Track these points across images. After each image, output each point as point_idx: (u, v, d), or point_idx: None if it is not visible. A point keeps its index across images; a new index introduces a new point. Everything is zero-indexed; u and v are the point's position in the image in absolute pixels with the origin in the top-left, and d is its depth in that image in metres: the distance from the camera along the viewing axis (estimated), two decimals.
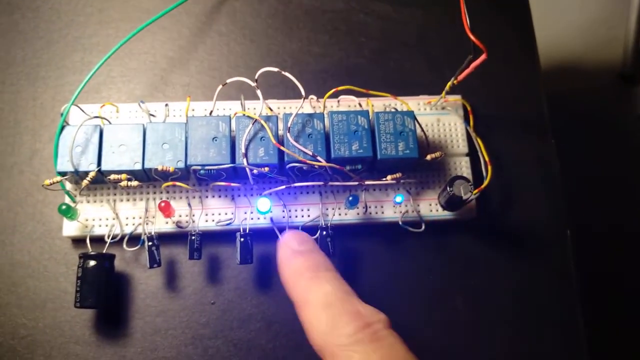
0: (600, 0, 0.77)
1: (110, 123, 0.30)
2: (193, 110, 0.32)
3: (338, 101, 0.32)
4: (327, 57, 0.35)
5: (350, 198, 0.29)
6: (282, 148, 0.28)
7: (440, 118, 0.33)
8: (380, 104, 0.32)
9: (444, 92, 0.31)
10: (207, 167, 0.28)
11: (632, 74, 0.73)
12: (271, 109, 0.32)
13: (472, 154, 0.33)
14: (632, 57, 0.72)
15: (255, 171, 0.28)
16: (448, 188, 0.29)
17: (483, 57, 0.27)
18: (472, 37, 0.27)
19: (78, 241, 0.30)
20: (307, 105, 0.32)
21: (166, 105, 0.31)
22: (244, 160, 0.28)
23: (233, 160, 0.28)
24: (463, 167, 0.32)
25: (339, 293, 0.24)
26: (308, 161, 0.28)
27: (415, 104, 0.33)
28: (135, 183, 0.28)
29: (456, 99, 0.33)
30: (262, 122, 0.29)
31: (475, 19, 0.28)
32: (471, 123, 0.33)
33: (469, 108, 0.33)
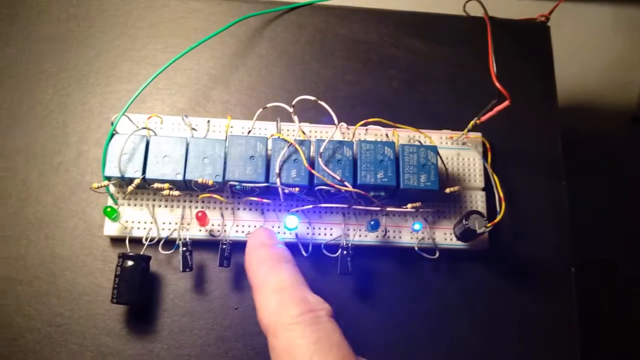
0: (621, 42, 0.78)
1: (155, 134, 0.32)
2: (232, 127, 0.34)
3: (366, 130, 0.35)
4: (358, 86, 0.38)
5: (372, 222, 0.31)
6: (313, 171, 0.30)
7: (461, 153, 0.35)
8: (405, 134, 0.35)
9: (466, 130, 0.34)
10: (243, 184, 0.30)
11: None
12: (304, 132, 0.34)
13: (488, 188, 0.35)
14: None
15: (286, 190, 0.30)
16: (464, 221, 0.31)
17: (506, 103, 0.29)
18: (497, 84, 0.29)
19: (116, 240, 0.32)
20: (337, 131, 0.34)
21: (208, 121, 0.33)
22: (278, 180, 0.30)
23: (267, 178, 0.31)
24: (478, 200, 0.34)
25: (292, 281, 0.26)
26: (336, 185, 0.30)
27: (437, 137, 0.35)
28: (177, 193, 0.30)
29: (477, 136, 0.35)
30: (297, 146, 0.31)
31: (498, 58, 0.30)
32: (489, 160, 0.35)
33: (487, 146, 0.35)
